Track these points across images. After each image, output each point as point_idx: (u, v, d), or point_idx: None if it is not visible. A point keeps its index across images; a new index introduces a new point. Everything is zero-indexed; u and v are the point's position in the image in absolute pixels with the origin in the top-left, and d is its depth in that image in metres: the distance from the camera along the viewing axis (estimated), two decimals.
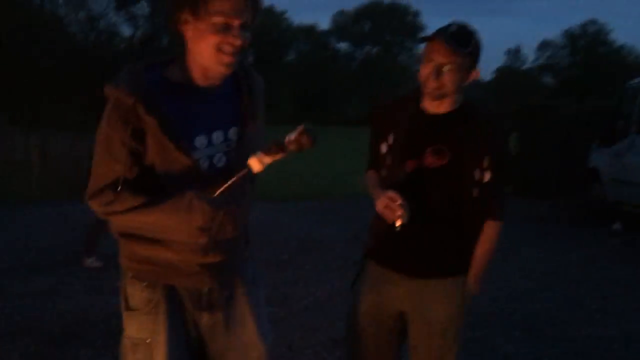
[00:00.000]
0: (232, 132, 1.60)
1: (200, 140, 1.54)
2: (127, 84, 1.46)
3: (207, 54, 1.47)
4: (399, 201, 1.81)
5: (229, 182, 1.50)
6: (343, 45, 56.27)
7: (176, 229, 1.52)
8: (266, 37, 53.35)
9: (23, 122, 16.26)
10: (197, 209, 1.46)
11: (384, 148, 1.99)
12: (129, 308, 1.63)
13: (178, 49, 1.55)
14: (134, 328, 1.63)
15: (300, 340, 3.77)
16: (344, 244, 6.36)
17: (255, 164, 1.49)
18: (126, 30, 42.80)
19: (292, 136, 1.45)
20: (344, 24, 55.45)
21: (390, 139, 1.97)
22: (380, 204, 1.85)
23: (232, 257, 1.68)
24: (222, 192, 1.50)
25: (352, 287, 2.12)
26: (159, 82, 1.51)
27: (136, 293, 1.62)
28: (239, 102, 1.62)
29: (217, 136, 1.57)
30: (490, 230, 1.94)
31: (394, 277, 1.98)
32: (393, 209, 1.81)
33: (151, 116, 1.44)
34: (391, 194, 1.83)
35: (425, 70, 1.84)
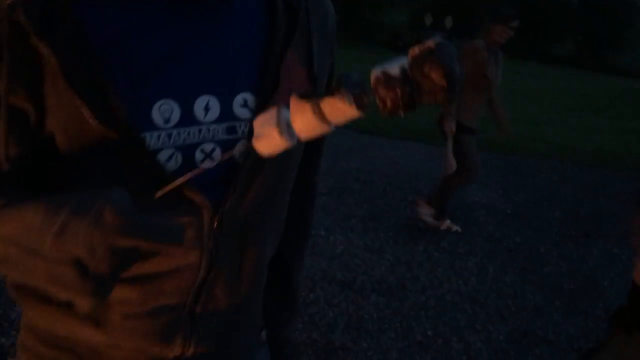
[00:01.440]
0: (241, 102, 0.77)
1: (164, 110, 0.71)
2: None
3: None
4: None
5: (179, 181, 0.69)
6: None
7: (42, 254, 0.64)
8: None
9: None
10: (89, 219, 0.61)
11: None
12: None
13: None
14: None
15: None
16: (501, 219, 5.11)
17: (265, 139, 0.66)
18: None
19: (394, 67, 0.60)
20: None
21: None
22: None
23: (226, 349, 0.90)
24: (165, 198, 0.69)
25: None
26: None
27: None
28: (267, 44, 0.79)
29: (205, 106, 0.74)
30: None
31: None
32: None
33: (44, 39, 0.63)
34: None
35: None
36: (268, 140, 0.65)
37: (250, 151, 0.71)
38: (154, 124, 0.70)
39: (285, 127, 0.64)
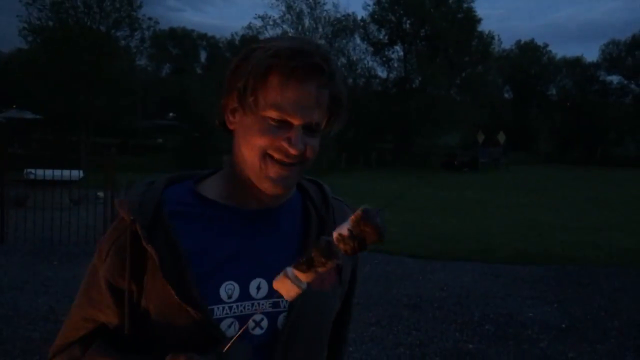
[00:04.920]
0: None
1: (228, 289, 1.03)
2: (133, 197, 1.05)
3: (250, 161, 1.03)
4: None
5: (235, 337, 0.94)
6: (614, 79, 50.62)
7: None
8: (525, 72, 51.00)
9: None
10: None
11: None
12: None
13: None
14: None
15: None
16: (555, 334, 5.01)
17: (286, 287, 0.93)
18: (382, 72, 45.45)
19: (344, 229, 0.90)
20: (616, 55, 49.84)
21: None
22: None
23: None
24: (234, 350, 0.94)
25: None
26: (186, 199, 1.08)
27: None
28: (303, 243, 1.10)
29: (257, 287, 1.05)
30: None
31: None
32: None
33: (151, 244, 0.99)
34: None
35: None
36: (289, 291, 0.93)
37: (290, 321, 1.03)
38: (221, 299, 1.01)
39: (297, 283, 0.92)
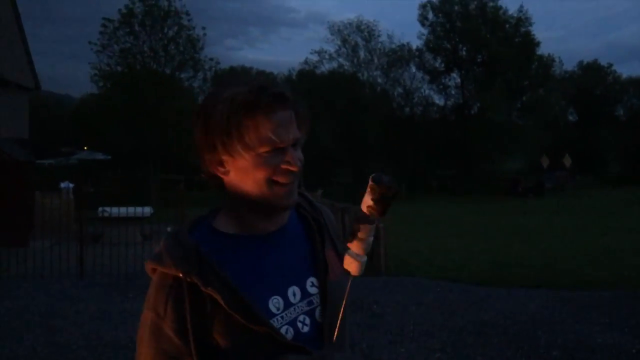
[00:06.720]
0: (310, 284, 1.26)
1: (275, 303, 1.19)
2: (172, 253, 1.16)
3: (258, 193, 1.18)
4: None
5: (343, 307, 1.22)
6: None
7: None
8: (589, 93, 49.65)
9: None
10: None
11: None
12: None
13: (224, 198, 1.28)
14: None
15: None
16: (627, 358, 4.90)
17: (348, 262, 1.16)
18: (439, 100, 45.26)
19: (368, 200, 1.12)
20: None
21: None
22: None
23: None
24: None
25: None
26: (211, 239, 1.21)
27: None
28: (312, 245, 1.30)
29: (293, 293, 1.23)
30: None
31: None
32: None
33: (212, 287, 1.12)
34: None
35: None
36: (355, 267, 1.15)
37: (326, 313, 1.22)
38: (273, 313, 1.17)
39: (356, 257, 1.15)
